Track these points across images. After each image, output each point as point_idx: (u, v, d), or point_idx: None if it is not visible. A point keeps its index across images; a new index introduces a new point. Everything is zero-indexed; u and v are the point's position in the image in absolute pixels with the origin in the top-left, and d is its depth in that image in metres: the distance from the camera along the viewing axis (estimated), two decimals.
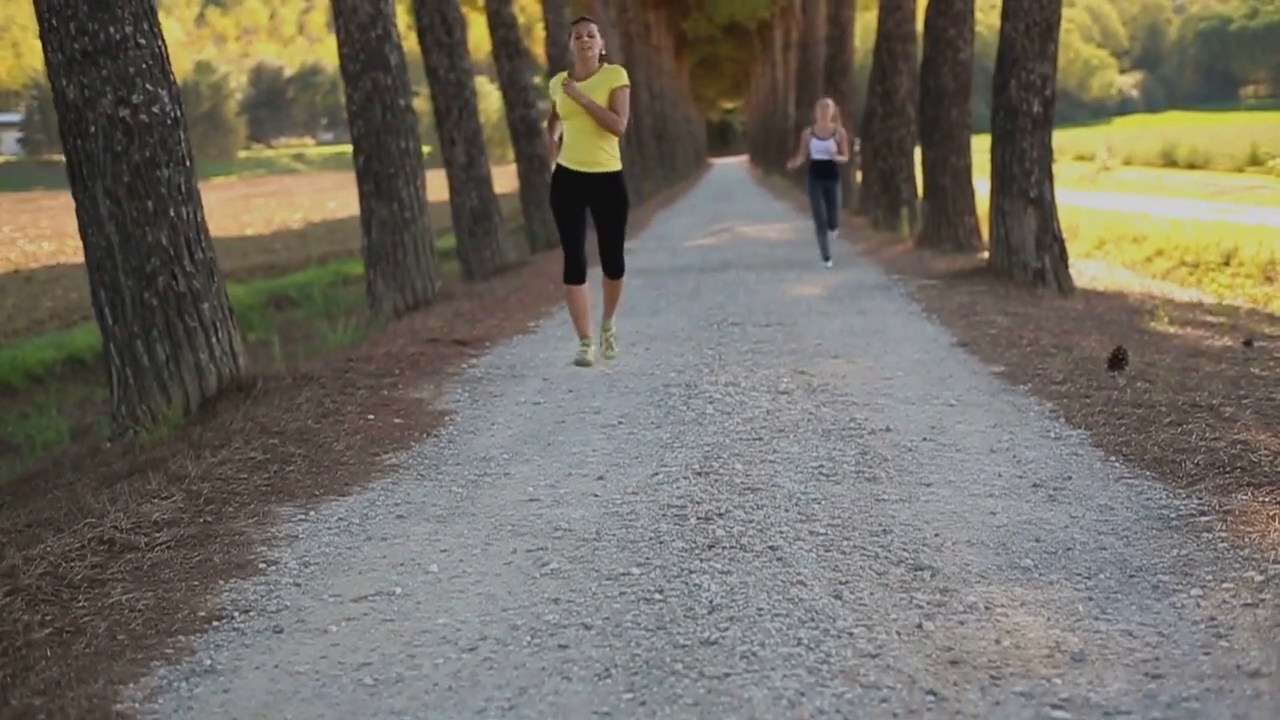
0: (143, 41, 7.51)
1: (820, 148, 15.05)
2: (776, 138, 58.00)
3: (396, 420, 7.02)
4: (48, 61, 7.58)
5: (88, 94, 7.41)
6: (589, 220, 8.10)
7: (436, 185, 21.48)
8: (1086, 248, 20.40)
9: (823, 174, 15.22)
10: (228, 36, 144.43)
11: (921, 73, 17.61)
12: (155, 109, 7.54)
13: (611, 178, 7.88)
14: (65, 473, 7.33)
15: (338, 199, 54.00)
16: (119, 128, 7.43)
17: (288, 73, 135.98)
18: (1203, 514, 4.67)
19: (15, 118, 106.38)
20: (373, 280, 12.95)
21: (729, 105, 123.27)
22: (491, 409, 7.32)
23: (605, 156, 7.83)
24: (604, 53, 7.86)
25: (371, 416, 7.08)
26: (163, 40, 7.71)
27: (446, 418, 7.14)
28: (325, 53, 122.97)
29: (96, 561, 4.65)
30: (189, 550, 4.82)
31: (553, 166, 8.08)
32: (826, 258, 15.42)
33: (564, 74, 7.87)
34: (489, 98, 76.28)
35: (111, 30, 7.40)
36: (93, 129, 7.44)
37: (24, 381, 14.28)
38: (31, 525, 5.67)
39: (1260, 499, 4.79)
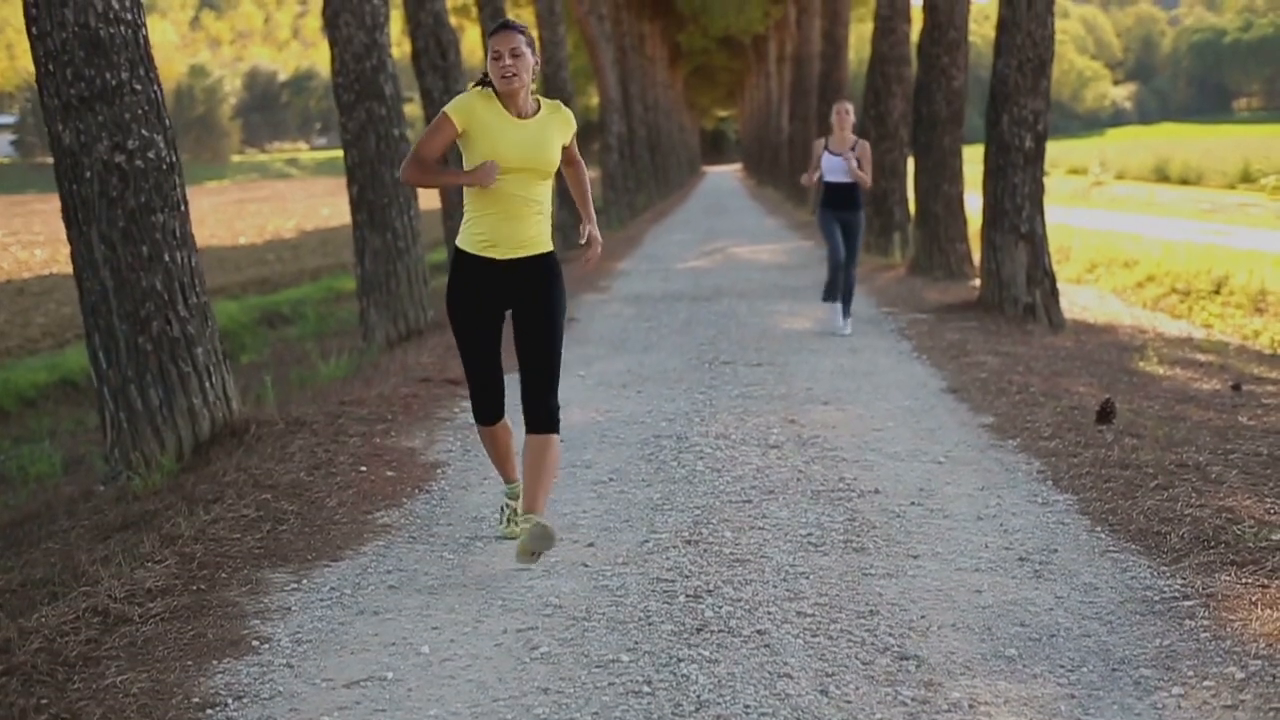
0: (139, 87, 7.54)
1: (837, 166, 11.71)
2: (770, 149, 58.16)
3: (389, 473, 7.06)
4: (44, 106, 7.63)
5: (84, 139, 7.44)
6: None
7: (427, 194, 21.47)
8: (1078, 271, 20.48)
9: (841, 203, 11.84)
10: (222, 40, 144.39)
11: (915, 99, 17.69)
12: (150, 154, 7.57)
13: (548, 259, 5.42)
14: (58, 518, 7.36)
15: (331, 205, 54.03)
16: (114, 173, 7.47)
17: (282, 77, 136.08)
18: (1186, 597, 4.72)
19: (8, 119, 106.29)
20: (365, 309, 12.99)
21: (723, 114, 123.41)
22: (483, 460, 7.35)
23: (542, 230, 5.42)
24: (536, 75, 5.32)
25: (364, 469, 7.12)
26: (159, 86, 7.75)
27: (438, 470, 7.18)
28: (319, 57, 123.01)
29: (91, 636, 4.69)
30: (183, 623, 4.85)
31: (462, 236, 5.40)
32: (846, 313, 12.06)
33: (479, 91, 5.31)
34: None
35: (108, 76, 7.43)
36: (88, 174, 7.47)
37: (16, 405, 14.28)
38: (25, 585, 5.70)
39: (1243, 580, 4.85)
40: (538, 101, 5.40)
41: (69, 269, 7.62)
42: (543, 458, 5.34)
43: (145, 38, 7.71)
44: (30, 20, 7.53)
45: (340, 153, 13.85)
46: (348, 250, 20.16)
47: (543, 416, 5.37)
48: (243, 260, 31.96)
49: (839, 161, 11.69)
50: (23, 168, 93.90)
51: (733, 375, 9.81)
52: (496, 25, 5.32)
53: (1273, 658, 4.10)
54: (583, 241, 5.77)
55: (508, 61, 5.20)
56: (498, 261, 5.33)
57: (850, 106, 11.84)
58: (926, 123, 17.14)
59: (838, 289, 12.04)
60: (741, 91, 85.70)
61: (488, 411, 5.63)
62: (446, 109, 5.27)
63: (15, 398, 14.36)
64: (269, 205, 60.72)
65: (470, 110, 5.26)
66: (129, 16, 7.55)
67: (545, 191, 5.42)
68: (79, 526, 6.78)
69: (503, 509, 5.89)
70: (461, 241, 5.41)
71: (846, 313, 12.02)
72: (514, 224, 5.31)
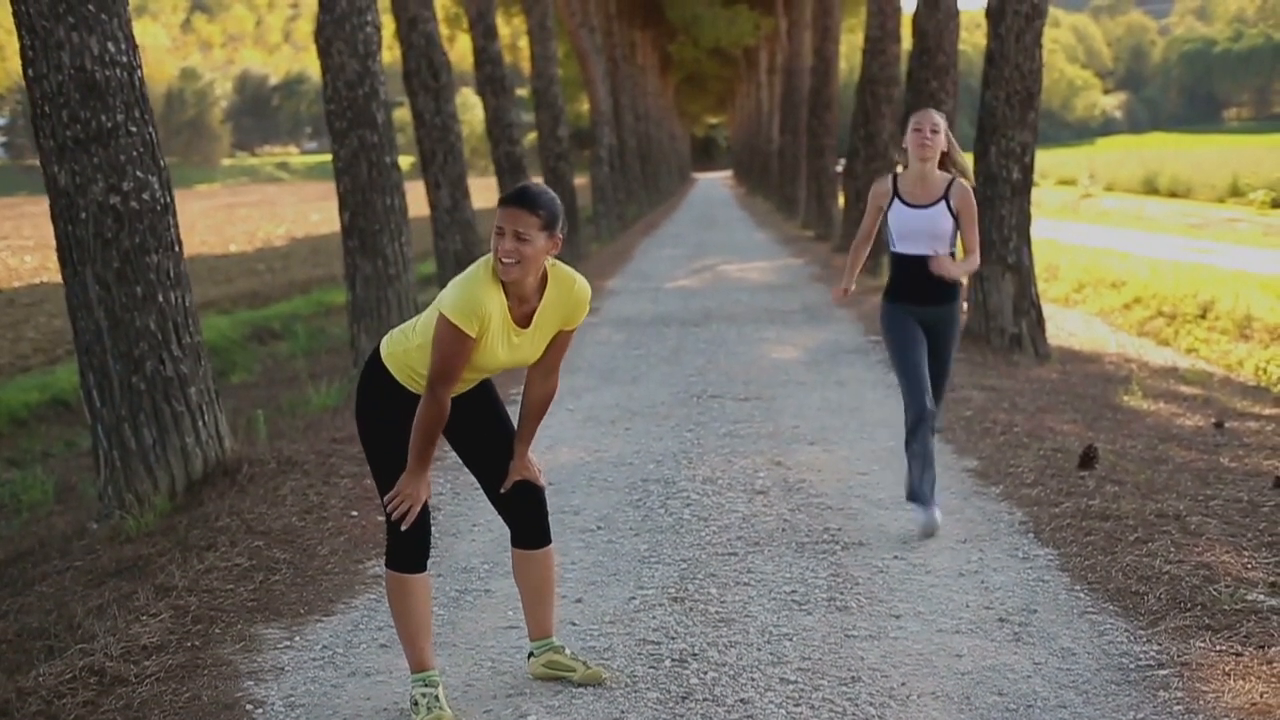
0: (134, 129, 7.62)
1: (919, 227, 6.48)
2: (760, 158, 58.41)
3: (379, 518, 7.12)
4: (39, 147, 7.71)
5: (79, 181, 7.53)
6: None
7: (415, 197, 21.58)
8: (1066, 291, 20.61)
9: (924, 292, 6.59)
10: (213, 43, 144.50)
11: (904, 124, 17.79)
12: (145, 196, 7.66)
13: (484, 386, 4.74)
14: (52, 556, 7.43)
15: (321, 211, 54.03)
16: (109, 214, 7.55)
17: (273, 80, 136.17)
18: (1161, 665, 4.82)
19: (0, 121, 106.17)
20: (356, 335, 13.05)
21: (714, 120, 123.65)
22: (472, 504, 7.44)
23: None
24: (551, 258, 4.38)
25: (355, 513, 7.21)
26: (154, 128, 7.83)
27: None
28: (310, 61, 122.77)
29: (89, 698, 4.78)
30: (178, 684, 4.94)
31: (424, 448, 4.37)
32: (929, 485, 6.55)
33: (489, 279, 4.28)
34: (474, 109, 76.58)
35: (103, 119, 7.52)
36: (83, 215, 7.55)
37: (7, 425, 14.33)
38: (21, 636, 5.78)
39: (1217, 647, 4.95)
40: (544, 278, 4.41)
41: (60, 277, 7.72)
42: (550, 571, 4.79)
43: (140, 80, 7.80)
44: (26, 62, 7.60)
45: (330, 157, 13.87)
46: (338, 260, 20.19)
47: (542, 525, 4.74)
48: (233, 270, 32.00)
49: (924, 214, 6.48)
50: (14, 170, 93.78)
51: (720, 411, 9.90)
52: (510, 193, 4.30)
53: None
54: (507, 484, 4.68)
55: (508, 246, 4.21)
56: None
57: (940, 121, 6.52)
58: None
59: (928, 468, 6.61)
60: (732, 100, 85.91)
61: (418, 551, 4.51)
62: (458, 320, 4.22)
63: (6, 418, 14.39)
64: (259, 210, 60.74)
65: (483, 319, 4.26)
66: (124, 59, 7.63)
67: None
68: (72, 568, 6.86)
69: (416, 700, 4.51)
70: (398, 375, 4.47)
71: (930, 486, 6.61)
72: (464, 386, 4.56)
